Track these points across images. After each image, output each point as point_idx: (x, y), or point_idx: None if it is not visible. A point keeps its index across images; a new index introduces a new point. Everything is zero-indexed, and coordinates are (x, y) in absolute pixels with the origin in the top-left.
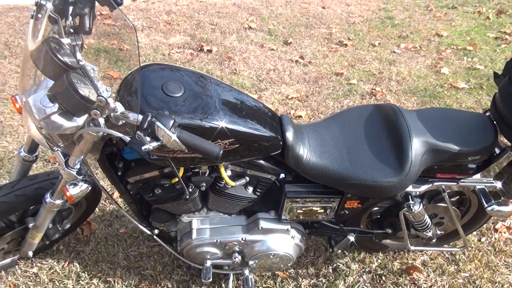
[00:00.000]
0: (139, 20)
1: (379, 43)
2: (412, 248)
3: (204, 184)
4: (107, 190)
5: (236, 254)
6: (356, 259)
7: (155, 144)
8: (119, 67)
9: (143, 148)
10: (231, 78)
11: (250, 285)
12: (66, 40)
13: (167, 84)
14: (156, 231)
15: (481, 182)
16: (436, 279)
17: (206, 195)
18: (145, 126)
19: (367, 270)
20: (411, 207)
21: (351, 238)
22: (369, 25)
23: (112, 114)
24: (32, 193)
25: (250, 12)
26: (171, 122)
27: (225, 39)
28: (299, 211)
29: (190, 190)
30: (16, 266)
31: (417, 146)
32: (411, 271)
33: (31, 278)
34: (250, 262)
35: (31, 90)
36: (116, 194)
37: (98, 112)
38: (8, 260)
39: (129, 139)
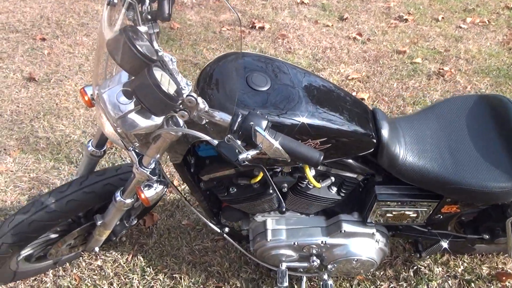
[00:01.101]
0: None
1: (442, 18)
2: None
3: (286, 185)
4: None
5: (314, 258)
6: (439, 262)
7: (253, 152)
8: (170, 46)
9: (240, 157)
10: (286, 57)
11: None
12: (142, 28)
13: (252, 76)
14: (227, 229)
15: None
16: None
17: (284, 194)
18: (235, 129)
19: (452, 274)
20: None
21: (444, 244)
22: None
23: (196, 113)
24: (101, 189)
25: None
26: (265, 123)
27: (277, 15)
28: (388, 214)
29: (270, 191)
30: (80, 258)
31: None
32: (503, 277)
33: (96, 272)
34: (329, 266)
35: (105, 84)
36: (176, 182)
37: (186, 113)
38: (72, 253)
39: (216, 142)
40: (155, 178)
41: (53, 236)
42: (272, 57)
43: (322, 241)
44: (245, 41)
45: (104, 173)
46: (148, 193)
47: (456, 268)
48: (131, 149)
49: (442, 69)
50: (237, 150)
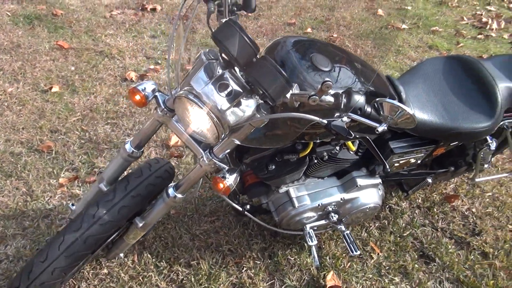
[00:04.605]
0: None
1: None
2: (478, 180)
3: (325, 153)
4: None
5: (333, 214)
6: (401, 198)
7: (384, 128)
8: (62, 35)
9: (379, 129)
10: (191, 38)
11: (352, 239)
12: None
13: (316, 57)
14: (248, 207)
15: None
16: (468, 201)
17: (312, 163)
18: (342, 106)
19: (415, 205)
20: (491, 146)
21: (430, 179)
22: None
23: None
24: (145, 191)
25: None
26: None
27: None
28: (396, 164)
29: (316, 161)
30: (83, 270)
31: (503, 92)
32: (451, 199)
33: (108, 280)
34: (344, 219)
35: (197, 82)
36: None
37: (317, 97)
38: None
39: (325, 121)
40: (227, 167)
41: None
42: (314, 38)
43: (341, 198)
44: (143, 23)
45: (141, 174)
46: (229, 182)
47: (416, 200)
48: (221, 141)
49: (332, 36)
50: (345, 125)
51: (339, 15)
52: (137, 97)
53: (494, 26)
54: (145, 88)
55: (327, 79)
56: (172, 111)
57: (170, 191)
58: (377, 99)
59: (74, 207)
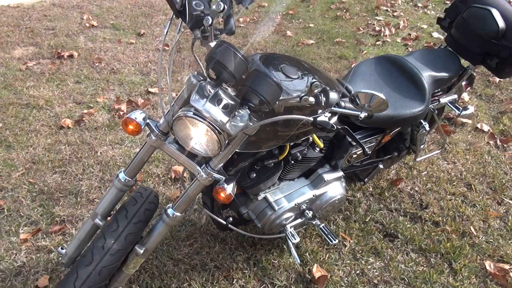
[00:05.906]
0: None
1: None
2: (419, 159)
3: (298, 154)
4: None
5: (307, 211)
6: (355, 189)
7: (365, 114)
8: None
9: (362, 116)
10: (116, 78)
11: (329, 230)
12: (212, 44)
13: (284, 68)
14: (231, 219)
15: (448, 98)
16: (410, 182)
17: (286, 166)
18: (322, 104)
19: (368, 194)
20: (426, 127)
21: (381, 165)
22: None
23: None
24: (144, 216)
25: (78, 10)
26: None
27: (76, 42)
28: (354, 156)
29: (292, 162)
30: None
31: (427, 80)
32: (397, 182)
33: None
34: (317, 214)
35: (196, 100)
36: None
37: (307, 97)
38: None
39: (311, 119)
40: (224, 177)
41: None
42: (274, 52)
43: (313, 195)
44: (63, 71)
45: (136, 202)
46: (229, 190)
47: (369, 189)
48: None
49: None
50: (325, 118)
51: (253, 40)
52: (131, 127)
53: (387, 32)
54: (136, 117)
55: (314, 80)
56: (165, 135)
57: (169, 211)
58: (353, 92)
59: (64, 250)
